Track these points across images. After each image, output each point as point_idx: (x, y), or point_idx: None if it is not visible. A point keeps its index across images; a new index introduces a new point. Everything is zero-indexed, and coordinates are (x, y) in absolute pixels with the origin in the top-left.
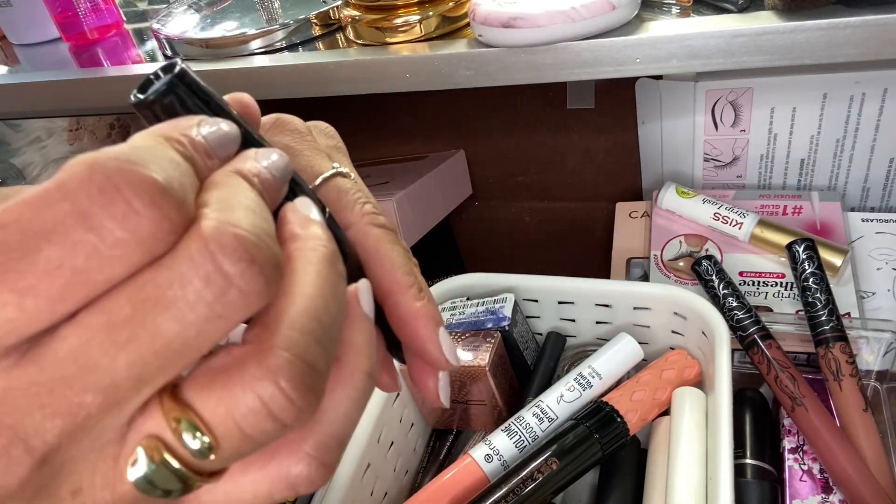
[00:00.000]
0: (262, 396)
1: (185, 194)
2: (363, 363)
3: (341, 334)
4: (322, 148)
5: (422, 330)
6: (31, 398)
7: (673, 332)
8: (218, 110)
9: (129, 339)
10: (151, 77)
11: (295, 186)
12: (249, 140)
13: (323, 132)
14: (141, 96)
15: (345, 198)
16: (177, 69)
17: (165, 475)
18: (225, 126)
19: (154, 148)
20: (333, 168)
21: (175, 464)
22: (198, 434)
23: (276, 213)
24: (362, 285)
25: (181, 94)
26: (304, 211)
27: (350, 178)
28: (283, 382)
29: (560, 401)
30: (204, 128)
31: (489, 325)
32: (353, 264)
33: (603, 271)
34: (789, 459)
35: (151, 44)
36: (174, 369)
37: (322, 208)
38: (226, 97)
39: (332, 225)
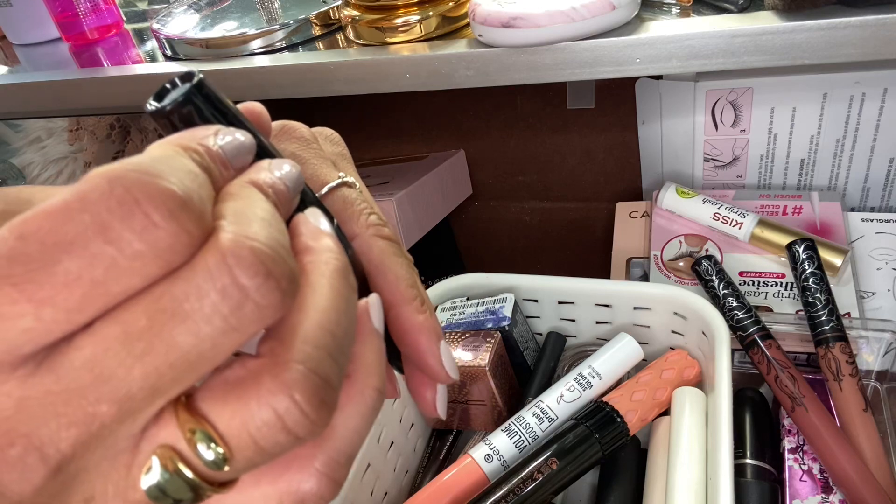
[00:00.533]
0: (277, 410)
1: (203, 207)
2: (373, 380)
3: (352, 349)
4: (327, 155)
5: (423, 343)
6: (47, 407)
7: (673, 332)
8: (233, 120)
9: (145, 350)
10: (167, 85)
11: (305, 196)
12: (263, 150)
13: (328, 139)
14: (158, 105)
15: (350, 208)
16: (195, 79)
17: (178, 484)
18: (240, 136)
19: (172, 158)
20: (339, 178)
21: (188, 473)
22: (212, 445)
23: (287, 223)
24: (373, 300)
25: (199, 104)
26: (315, 222)
27: (355, 189)
28: (298, 396)
29: (560, 401)
30: (220, 138)
31: (489, 325)
32: (357, 275)
33: (603, 271)
34: (789, 459)
35: (151, 44)
36: (188, 380)
37: (330, 219)
38: (238, 106)
39: (339, 235)
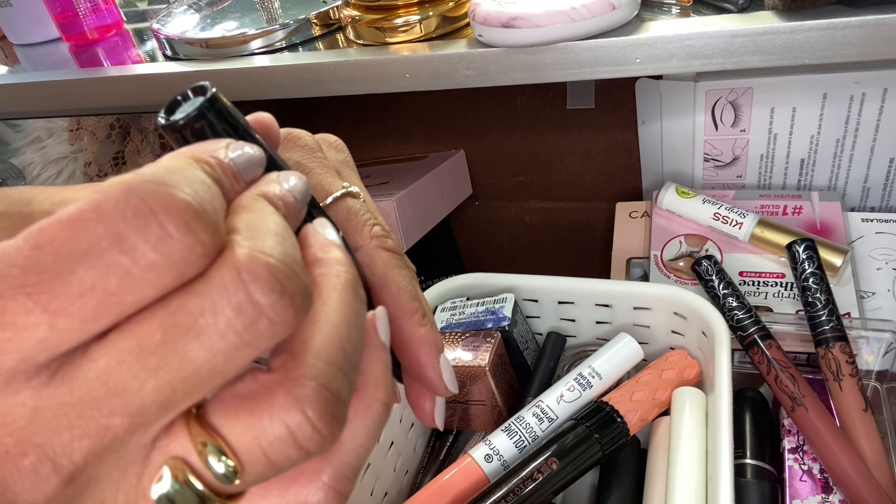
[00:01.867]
0: (289, 425)
1: (217, 218)
2: (381, 394)
3: (360, 363)
4: (331, 164)
5: (423, 356)
6: (61, 419)
7: (673, 332)
8: (244, 134)
9: (159, 364)
10: (179, 98)
11: (312, 208)
12: (272, 162)
13: (332, 146)
14: (170, 119)
15: (354, 219)
16: (208, 94)
17: (188, 495)
18: (251, 149)
19: (186, 170)
20: (343, 188)
21: (198, 485)
22: (223, 458)
23: (295, 233)
24: (380, 314)
25: (211, 119)
26: (323, 233)
27: (359, 199)
28: (310, 412)
29: (560, 401)
30: (231, 151)
31: (489, 325)
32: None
33: (603, 271)
34: (789, 459)
35: (151, 44)
36: (200, 394)
37: (336, 229)
38: (248, 118)
39: (344, 246)
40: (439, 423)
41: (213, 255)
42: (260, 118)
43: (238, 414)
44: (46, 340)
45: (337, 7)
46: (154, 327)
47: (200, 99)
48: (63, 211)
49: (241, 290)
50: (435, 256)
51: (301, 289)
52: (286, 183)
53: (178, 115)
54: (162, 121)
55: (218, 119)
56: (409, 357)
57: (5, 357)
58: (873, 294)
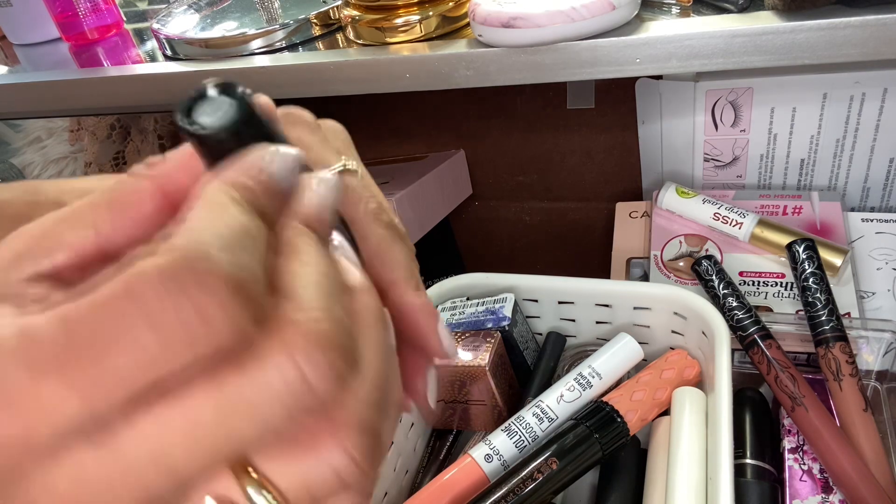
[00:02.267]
0: (335, 467)
1: (258, 287)
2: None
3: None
4: (331, 144)
5: (422, 322)
6: (104, 484)
7: (673, 332)
8: (272, 136)
9: (207, 437)
10: (198, 95)
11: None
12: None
13: (332, 128)
14: (195, 126)
15: (350, 195)
16: (241, 98)
17: None
18: (286, 155)
19: (224, 217)
20: (342, 163)
21: None
22: (267, 496)
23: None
24: (386, 315)
25: (242, 129)
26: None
27: (357, 175)
28: (356, 454)
29: (560, 401)
30: (271, 164)
31: (489, 325)
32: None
33: (603, 271)
34: (789, 459)
35: (151, 44)
36: (244, 455)
37: (355, 252)
38: None
39: (341, 226)
40: (432, 402)
41: (255, 326)
42: (257, 101)
43: (283, 457)
44: (82, 416)
45: (337, 7)
46: (201, 401)
47: (227, 101)
48: (95, 293)
49: (292, 369)
50: (435, 256)
51: (350, 360)
52: (319, 199)
53: (205, 120)
54: (187, 126)
55: (248, 126)
56: (409, 325)
57: (43, 430)
58: (873, 294)
